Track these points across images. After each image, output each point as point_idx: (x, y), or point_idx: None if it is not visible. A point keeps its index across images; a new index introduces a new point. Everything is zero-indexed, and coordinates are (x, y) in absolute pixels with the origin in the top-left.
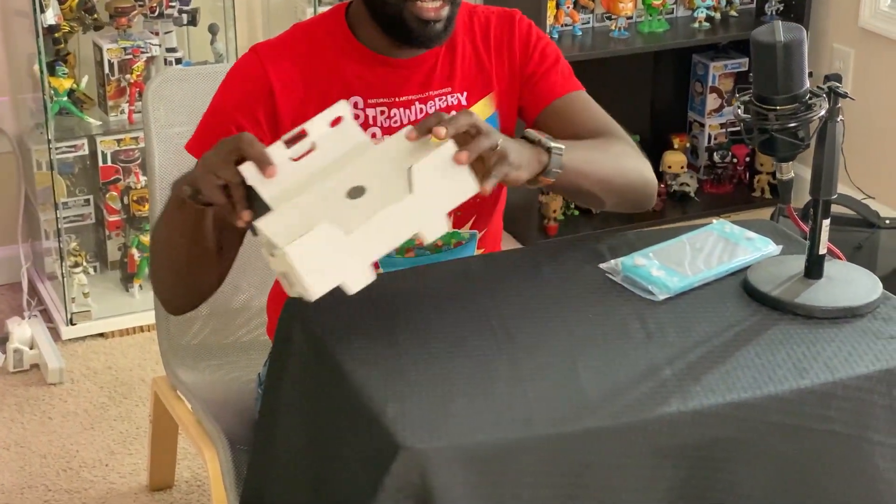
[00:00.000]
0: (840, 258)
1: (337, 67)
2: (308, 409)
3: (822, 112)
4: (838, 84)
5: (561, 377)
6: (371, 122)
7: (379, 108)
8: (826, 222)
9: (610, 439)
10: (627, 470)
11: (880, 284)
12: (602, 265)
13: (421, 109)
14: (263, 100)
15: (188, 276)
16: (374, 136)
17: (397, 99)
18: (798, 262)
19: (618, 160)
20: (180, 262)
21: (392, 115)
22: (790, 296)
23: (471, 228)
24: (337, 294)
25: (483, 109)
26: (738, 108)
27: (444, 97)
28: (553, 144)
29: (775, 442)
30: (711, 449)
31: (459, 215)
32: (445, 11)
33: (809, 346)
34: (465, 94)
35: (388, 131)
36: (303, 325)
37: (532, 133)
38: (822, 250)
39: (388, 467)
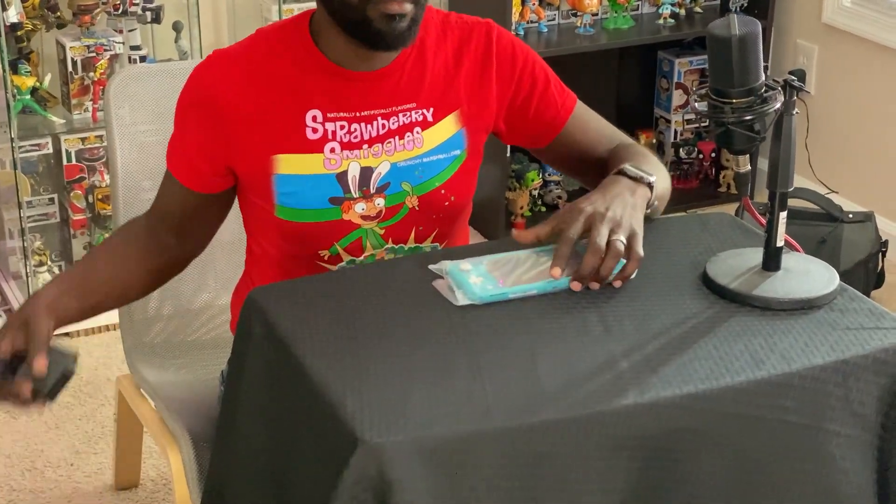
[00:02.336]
0: (798, 250)
1: (295, 79)
2: (268, 405)
3: (778, 105)
4: (794, 77)
5: (519, 370)
6: (330, 136)
7: (339, 123)
8: (783, 215)
9: (567, 431)
10: (585, 461)
11: (837, 276)
12: (431, 266)
13: (383, 125)
14: (220, 110)
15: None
16: (332, 150)
17: (359, 114)
18: (756, 255)
19: (665, 173)
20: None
21: (353, 129)
22: (748, 288)
23: (433, 242)
24: (297, 290)
25: (448, 127)
26: (696, 101)
27: (408, 113)
28: (650, 179)
29: (732, 433)
30: (668, 440)
31: (421, 230)
32: (409, 7)
33: (766, 337)
34: (430, 110)
35: (348, 146)
36: (263, 321)
37: (632, 170)
38: (780, 243)
39: (346, 461)
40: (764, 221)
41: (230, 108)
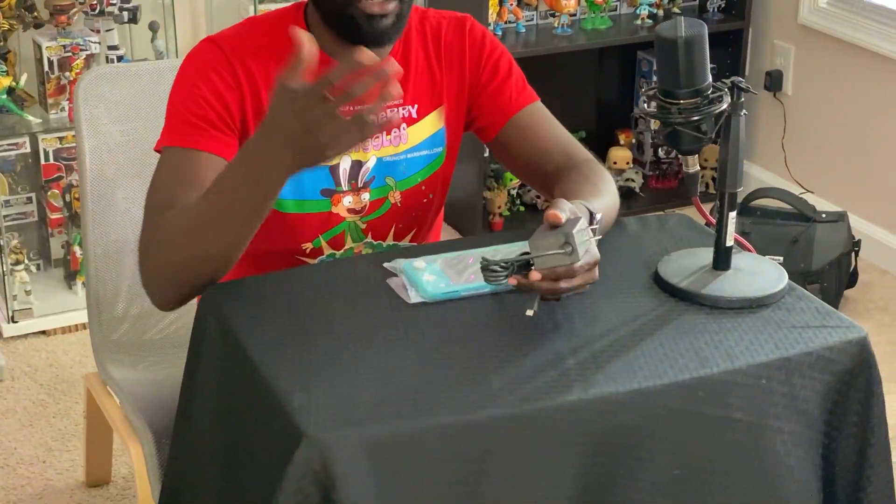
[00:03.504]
0: (750, 250)
1: None
2: (221, 400)
3: (725, 106)
4: (741, 79)
5: (466, 366)
6: None
7: None
8: (732, 214)
9: (512, 427)
10: (530, 457)
11: (786, 275)
12: (386, 264)
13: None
14: (230, 84)
15: (218, 261)
16: None
17: (351, 108)
18: (708, 255)
19: (613, 202)
20: (220, 245)
21: None
22: (697, 287)
23: (411, 241)
24: (251, 287)
25: (432, 123)
26: (644, 101)
27: (394, 109)
28: (596, 221)
29: (677, 429)
30: (614, 436)
31: (401, 228)
32: (392, 6)
33: (712, 335)
34: (415, 106)
35: None
36: (217, 319)
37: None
38: (730, 242)
39: (291, 455)
40: (713, 220)
41: (245, 82)
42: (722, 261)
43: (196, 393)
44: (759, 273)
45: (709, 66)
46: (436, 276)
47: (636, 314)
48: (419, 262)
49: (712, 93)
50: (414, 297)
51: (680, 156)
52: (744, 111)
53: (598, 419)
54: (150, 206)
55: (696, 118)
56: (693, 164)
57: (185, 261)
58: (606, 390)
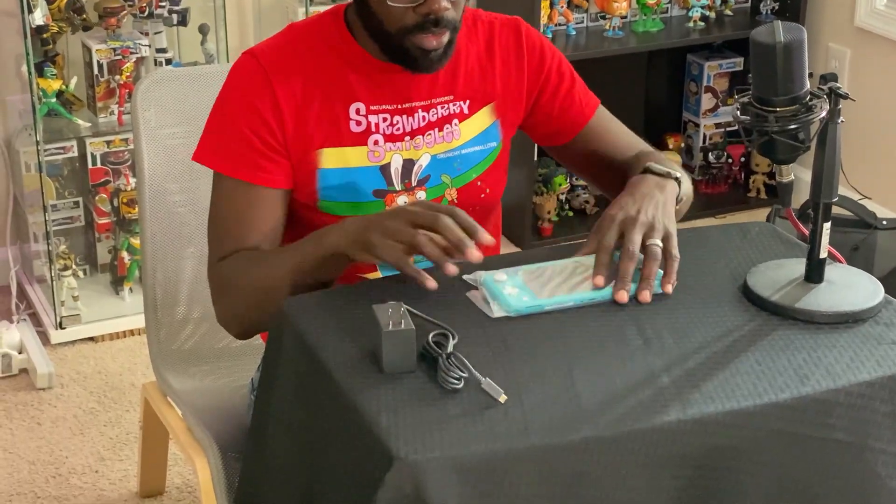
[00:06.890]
0: (841, 261)
1: (338, 72)
2: (299, 419)
3: (823, 114)
4: (839, 85)
5: (557, 385)
6: (374, 128)
7: (381, 115)
8: (827, 225)
9: (607, 449)
10: (625, 480)
11: (882, 288)
12: (466, 276)
13: (423, 117)
14: (270, 105)
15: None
16: (376, 142)
17: (400, 106)
18: (798, 266)
19: (687, 177)
20: (283, 290)
21: (395, 122)
22: (790, 300)
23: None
24: (328, 301)
25: (484, 119)
26: (737, 109)
27: (446, 105)
28: (676, 174)
29: (776, 450)
30: (711, 457)
31: None
32: (446, 37)
33: (810, 352)
34: (466, 102)
35: (391, 139)
36: (293, 334)
37: (657, 167)
38: (823, 254)
39: (381, 478)
40: (806, 231)
41: (282, 96)
42: (815, 273)
43: (271, 411)
44: (854, 286)
45: (807, 72)
46: (518, 289)
47: (728, 329)
48: (500, 275)
49: (810, 100)
50: (497, 312)
51: (774, 165)
52: (841, 118)
53: (695, 441)
54: (213, 240)
55: (793, 126)
56: (788, 174)
57: (254, 304)
58: (705, 411)
